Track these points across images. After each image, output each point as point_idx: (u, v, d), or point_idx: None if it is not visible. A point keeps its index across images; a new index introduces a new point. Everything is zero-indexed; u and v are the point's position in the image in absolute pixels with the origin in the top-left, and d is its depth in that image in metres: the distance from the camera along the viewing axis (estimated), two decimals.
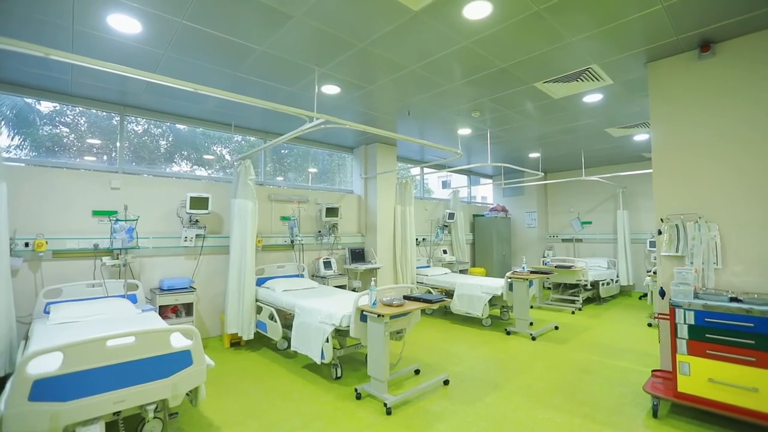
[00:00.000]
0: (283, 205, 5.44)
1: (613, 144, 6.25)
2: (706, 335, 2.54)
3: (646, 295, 7.36)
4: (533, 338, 4.69)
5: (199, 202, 4.33)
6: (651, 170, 6.06)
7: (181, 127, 4.88)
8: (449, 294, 5.78)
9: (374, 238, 6.09)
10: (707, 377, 2.53)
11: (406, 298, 3.46)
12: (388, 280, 6.15)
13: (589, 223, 8.48)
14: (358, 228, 6.38)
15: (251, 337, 4.34)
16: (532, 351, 4.26)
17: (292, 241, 5.35)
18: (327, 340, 3.34)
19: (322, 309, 3.52)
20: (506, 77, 3.64)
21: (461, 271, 7.42)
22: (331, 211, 5.62)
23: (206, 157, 5.18)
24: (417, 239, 7.06)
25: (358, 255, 5.94)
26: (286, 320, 4.20)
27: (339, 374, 3.52)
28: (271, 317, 4.17)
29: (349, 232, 6.21)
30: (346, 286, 5.45)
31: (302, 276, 5.28)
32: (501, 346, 4.44)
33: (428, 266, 6.98)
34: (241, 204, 4.43)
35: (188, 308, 4.14)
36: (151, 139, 4.77)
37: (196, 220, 4.51)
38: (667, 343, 3.04)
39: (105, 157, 4.34)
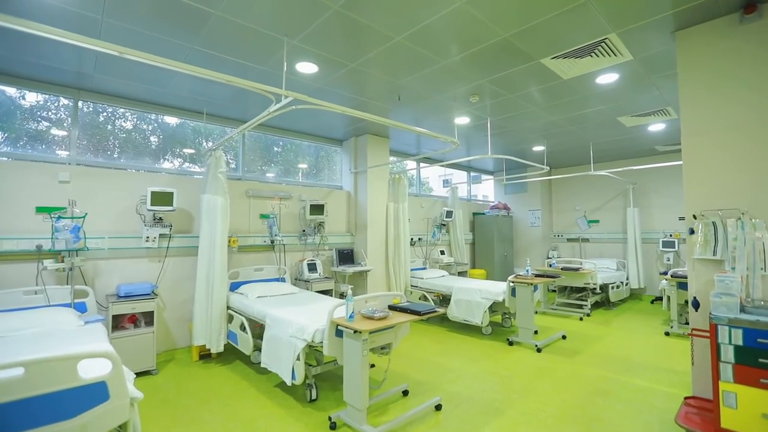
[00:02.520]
0: (263, 202, 4.95)
1: (625, 135, 5.73)
2: (760, 360, 2.04)
3: (660, 299, 6.84)
4: (538, 350, 4.19)
5: (162, 198, 3.84)
6: (665, 164, 5.61)
7: (152, 117, 4.39)
8: (446, 299, 5.29)
9: (364, 237, 5.60)
10: (761, 412, 2.02)
11: (391, 308, 2.97)
12: (379, 284, 5.65)
13: (597, 221, 7.96)
14: (347, 227, 5.89)
15: (221, 349, 3.86)
16: (537, 366, 3.76)
17: (272, 242, 4.86)
18: (298, 358, 2.85)
19: (294, 320, 3.03)
20: (508, 51, 3.14)
21: (460, 273, 6.91)
22: (316, 209, 5.13)
23: (186, 150, 4.68)
24: (412, 239, 6.56)
25: (346, 256, 5.45)
26: (262, 331, 3.71)
27: (314, 396, 3.03)
28: (243, 327, 3.69)
29: (337, 232, 5.72)
30: (332, 291, 4.96)
31: (283, 280, 4.79)
32: (503, 360, 3.95)
33: (424, 268, 6.48)
34: (210, 200, 3.94)
35: (149, 317, 3.65)
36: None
37: (160, 218, 4.02)
38: (704, 364, 2.53)
39: (58, 148, 3.86)
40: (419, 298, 5.49)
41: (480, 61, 3.31)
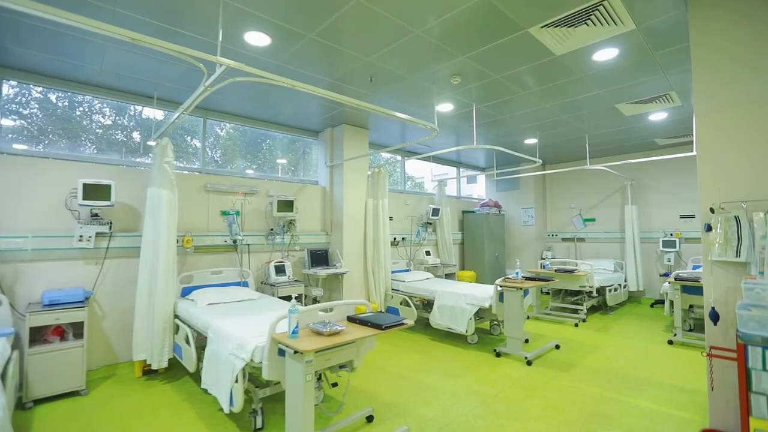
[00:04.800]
0: (226, 198, 4.45)
1: (623, 126, 5.29)
2: None
3: (660, 302, 6.41)
4: (528, 363, 3.73)
5: (96, 191, 3.34)
6: (667, 156, 5.17)
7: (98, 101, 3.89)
8: (430, 304, 4.82)
9: (340, 237, 5.12)
10: None
11: (351, 320, 2.49)
12: (357, 288, 5.17)
13: (593, 220, 7.53)
14: (323, 225, 5.40)
15: (164, 364, 3.37)
16: (527, 382, 3.30)
17: (234, 242, 4.37)
18: (237, 380, 2.36)
19: (235, 334, 2.54)
20: (491, 18, 2.67)
21: (447, 276, 6.45)
22: (285, 205, 4.64)
23: (150, 143, 4.18)
24: (395, 239, 6.09)
25: (320, 257, 4.97)
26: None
27: (259, 425, 2.54)
28: (188, 340, 3.19)
29: (310, 231, 5.23)
30: (302, 295, 4.48)
31: (245, 284, 4.30)
32: (488, 375, 3.48)
33: (408, 270, 6.01)
34: (155, 193, 3.45)
35: (79, 329, 3.16)
36: (78, 120, 3.77)
37: (96, 214, 3.52)
38: (725, 391, 2.07)
39: None
40: (400, 303, 5.02)
41: (459, 31, 2.84)
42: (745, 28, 2.16)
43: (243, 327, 2.67)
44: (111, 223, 3.59)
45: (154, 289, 3.38)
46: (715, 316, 2.10)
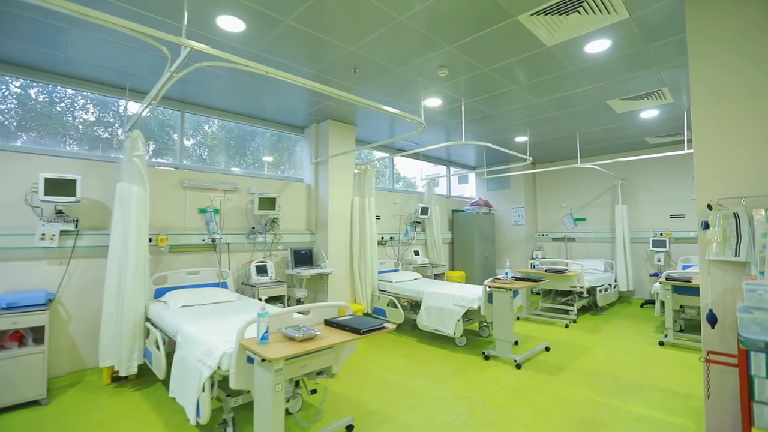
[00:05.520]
0: (204, 195, 4.25)
1: (614, 124, 5.20)
2: None
3: (650, 302, 6.36)
4: (518, 366, 3.60)
5: (61, 186, 3.13)
6: (658, 155, 5.09)
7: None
8: (417, 305, 4.68)
9: (325, 236, 4.94)
10: None
11: (328, 324, 2.33)
12: (342, 288, 5.01)
13: (583, 219, 7.46)
14: (307, 224, 5.22)
15: (133, 371, 3.17)
16: (516, 387, 3.17)
17: (212, 240, 4.17)
18: (204, 389, 2.18)
19: (203, 339, 2.36)
20: (479, 3, 2.53)
21: (436, 276, 6.31)
22: (266, 202, 4.45)
23: (120, 136, 3.97)
24: (382, 238, 5.93)
25: (304, 257, 4.79)
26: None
27: None
28: (158, 344, 3.00)
29: (294, 230, 5.05)
30: (284, 297, 4.29)
31: (224, 285, 4.11)
32: (476, 379, 3.34)
33: (396, 270, 5.86)
34: (124, 189, 3.25)
35: (40, 333, 2.94)
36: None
37: (60, 211, 3.30)
38: (723, 399, 1.96)
39: None
40: (387, 304, 4.87)
41: (446, 18, 2.70)
42: (744, 17, 2.05)
43: (213, 331, 2.48)
44: (77, 220, 3.38)
45: (122, 290, 3.18)
46: (712, 319, 1.98)
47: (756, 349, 1.59)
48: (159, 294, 3.67)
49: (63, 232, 3.31)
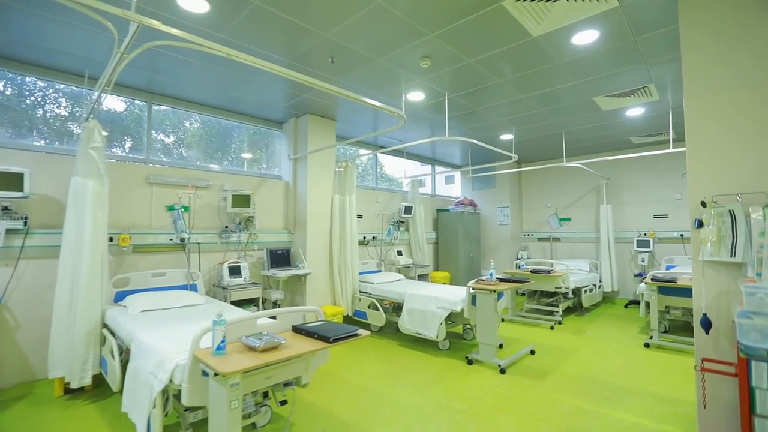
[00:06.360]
0: (173, 191, 3.99)
1: (600, 122, 5.13)
2: None
3: (634, 302, 6.32)
4: (502, 371, 3.46)
5: (5, 181, 2.85)
6: (644, 153, 5.01)
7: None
8: (400, 307, 4.50)
9: (304, 235, 4.73)
10: None
11: (296, 331, 2.13)
12: (321, 290, 4.80)
13: (568, 219, 7.41)
14: (285, 223, 5.00)
15: (86, 382, 2.90)
16: (500, 393, 3.02)
17: (181, 240, 3.92)
18: (155, 405, 1.96)
19: (157, 348, 2.13)
20: None
21: (420, 277, 6.15)
22: (240, 200, 4.22)
23: (75, 128, 3.67)
24: (364, 237, 5.74)
25: (281, 258, 4.56)
26: None
27: None
28: (113, 353, 2.74)
29: (271, 229, 4.82)
30: (259, 299, 4.06)
31: (194, 287, 3.86)
32: (458, 385, 3.18)
33: (378, 271, 5.67)
34: (79, 184, 2.98)
35: None
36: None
37: (6, 207, 3.02)
38: (718, 409, 1.83)
39: None
40: (368, 307, 4.68)
41: (426, 3, 2.52)
42: (737, 5, 1.93)
43: (169, 340, 2.26)
44: (26, 217, 3.10)
45: (76, 294, 2.91)
46: (707, 324, 1.86)
47: (757, 357, 1.46)
48: (120, 297, 3.40)
49: (9, 231, 3.03)
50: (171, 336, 2.34)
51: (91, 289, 2.94)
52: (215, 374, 1.62)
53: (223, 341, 1.74)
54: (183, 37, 1.90)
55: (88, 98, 3.75)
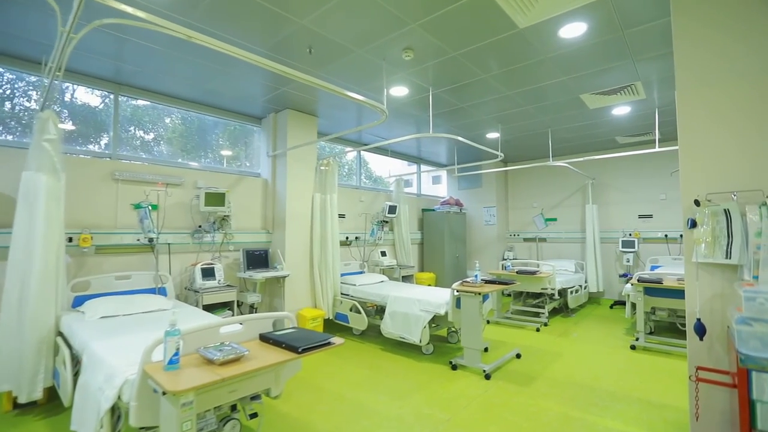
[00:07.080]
0: (141, 189, 3.76)
1: (586, 121, 5.07)
2: None
3: (619, 303, 6.29)
4: (487, 376, 3.33)
5: None
6: (630, 153, 4.97)
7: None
8: (382, 310, 4.34)
9: (283, 235, 4.53)
10: None
11: (264, 339, 1.95)
12: (301, 293, 4.61)
13: (554, 219, 7.36)
14: (263, 222, 4.79)
15: (36, 397, 2.66)
16: (484, 401, 2.88)
17: (150, 240, 3.68)
18: (103, 425, 1.76)
19: (108, 361, 1.93)
20: None
21: (405, 278, 6.01)
22: (214, 198, 4.00)
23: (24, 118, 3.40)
24: (347, 238, 5.57)
25: (258, 259, 4.36)
26: None
27: None
28: (66, 364, 2.51)
29: (249, 228, 4.61)
30: (233, 303, 3.86)
31: (162, 291, 3.63)
32: (441, 393, 3.04)
33: (361, 272, 5.51)
34: (30, 179, 2.74)
35: None
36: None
37: None
38: (712, 421, 1.72)
39: None
40: (350, 309, 4.51)
41: None
42: None
43: (123, 351, 2.05)
44: None
45: (26, 299, 2.66)
46: (701, 330, 1.75)
47: (758, 368, 1.35)
48: (79, 303, 3.16)
49: None
50: (126, 346, 2.13)
51: (43, 294, 2.70)
52: (164, 392, 1.44)
53: (176, 354, 1.56)
54: (135, 15, 1.71)
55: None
